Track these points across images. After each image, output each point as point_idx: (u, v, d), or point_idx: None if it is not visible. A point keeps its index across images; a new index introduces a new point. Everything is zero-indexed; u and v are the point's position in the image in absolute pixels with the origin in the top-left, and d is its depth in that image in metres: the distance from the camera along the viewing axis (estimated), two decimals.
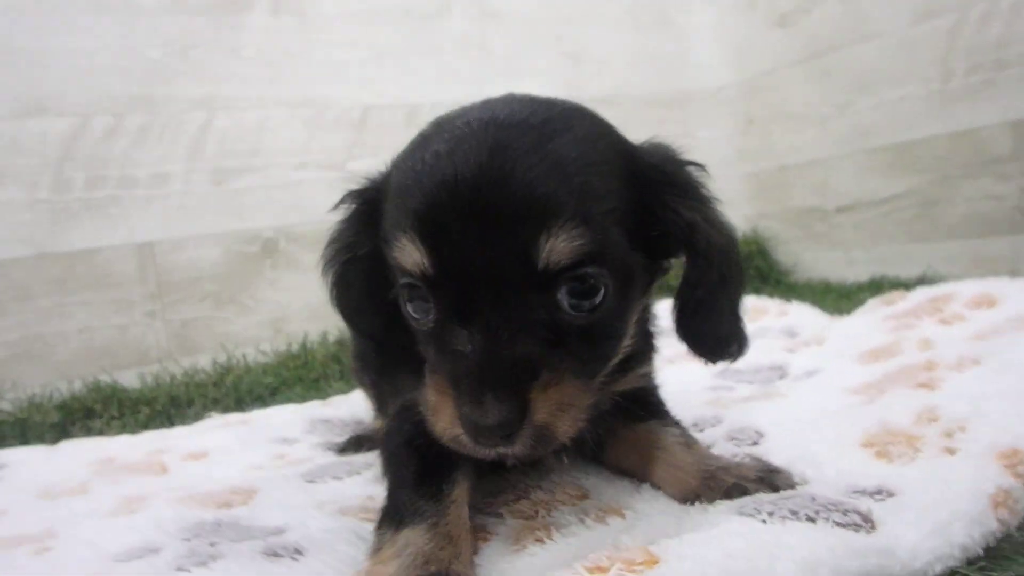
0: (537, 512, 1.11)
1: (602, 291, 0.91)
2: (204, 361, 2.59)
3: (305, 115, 2.82)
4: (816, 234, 3.38)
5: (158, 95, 2.54)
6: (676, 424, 1.23)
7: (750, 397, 1.59)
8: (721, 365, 1.71)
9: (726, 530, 0.87)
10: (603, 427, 1.18)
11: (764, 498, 0.97)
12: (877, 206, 3.05)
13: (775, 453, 1.17)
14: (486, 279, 0.87)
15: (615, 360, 1.02)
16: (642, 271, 1.01)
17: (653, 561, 0.80)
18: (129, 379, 2.48)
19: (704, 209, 1.04)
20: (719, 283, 1.05)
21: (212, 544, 1.08)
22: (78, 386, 2.39)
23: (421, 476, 1.04)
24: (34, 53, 2.41)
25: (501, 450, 0.87)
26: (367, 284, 1.08)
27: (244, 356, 2.64)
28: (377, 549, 0.97)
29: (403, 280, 0.94)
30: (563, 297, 0.89)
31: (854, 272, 3.14)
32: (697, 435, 1.34)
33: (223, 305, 2.68)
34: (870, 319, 1.95)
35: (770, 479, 1.06)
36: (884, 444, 1.13)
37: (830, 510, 0.90)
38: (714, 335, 1.09)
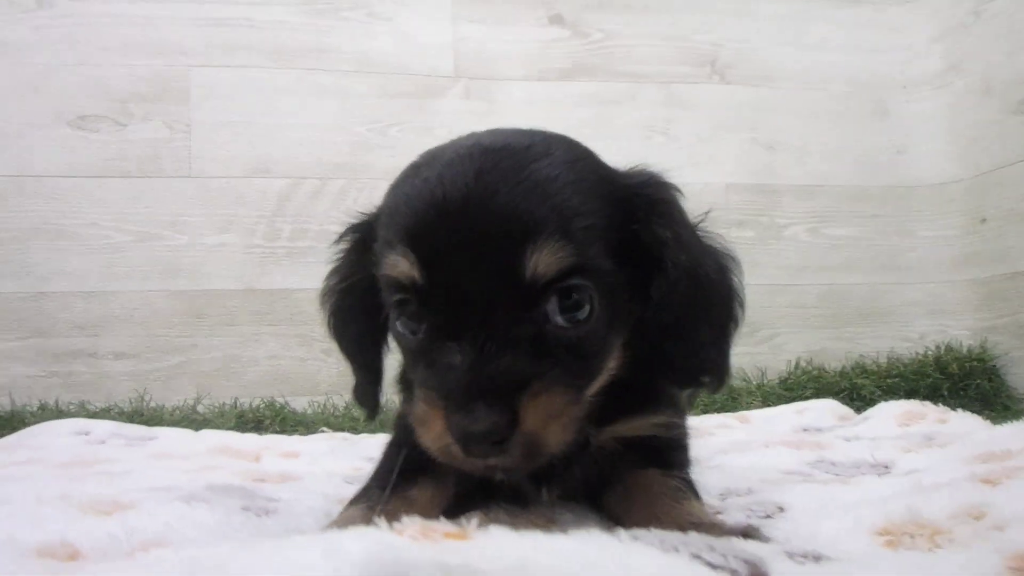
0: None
1: (587, 306, 0.94)
2: None
3: None
4: None
5: (358, 164, 2.97)
6: (682, 478, 1.13)
7: (816, 481, 1.41)
8: (814, 454, 1.59)
9: (584, 538, 0.80)
10: (603, 471, 1.15)
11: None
12: None
13: (782, 527, 1.07)
14: (475, 293, 0.91)
15: (600, 379, 1.02)
16: (627, 289, 1.01)
17: (462, 535, 0.77)
18: (300, 404, 2.84)
19: (676, 228, 1.04)
20: (688, 306, 1.03)
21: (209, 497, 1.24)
22: (257, 403, 2.79)
23: (389, 471, 1.11)
24: (267, 126, 2.97)
25: (491, 461, 0.89)
26: (363, 313, 1.14)
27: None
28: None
29: (394, 297, 0.99)
30: (552, 310, 0.93)
31: None
32: (718, 502, 1.27)
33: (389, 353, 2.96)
34: None
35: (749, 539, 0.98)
36: (901, 534, 0.96)
37: (712, 551, 0.79)
38: (683, 360, 1.07)
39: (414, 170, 1.03)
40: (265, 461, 1.80)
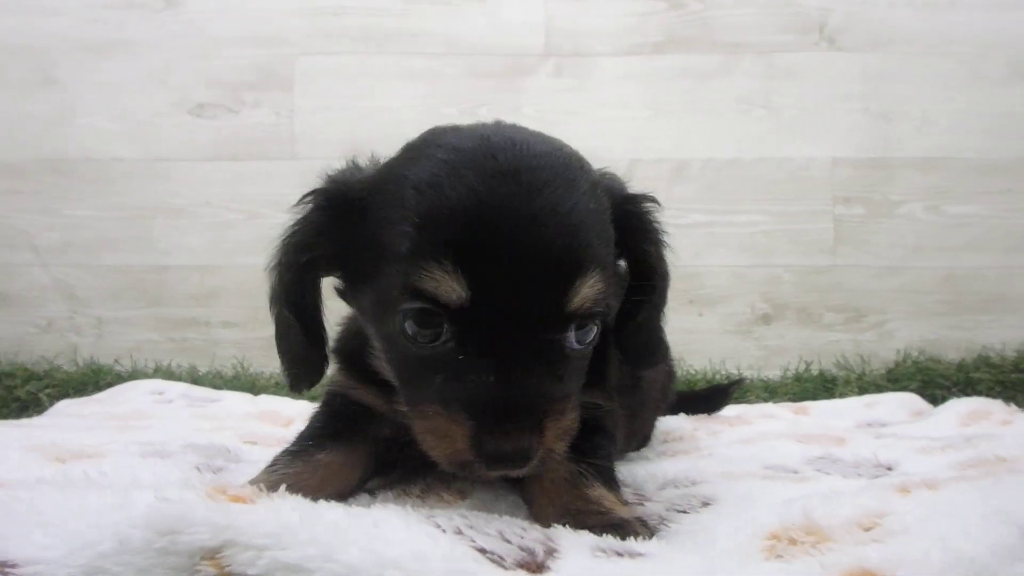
0: (387, 502, 1.15)
1: (595, 328, 1.02)
2: None
3: None
4: None
5: None
6: (594, 463, 1.12)
7: (782, 479, 1.33)
8: (822, 450, 1.53)
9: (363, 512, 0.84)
10: None
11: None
12: None
13: (685, 522, 1.07)
14: (518, 318, 0.93)
15: (573, 428, 1.04)
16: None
17: (246, 498, 0.82)
18: None
19: (661, 243, 1.16)
20: (659, 306, 1.19)
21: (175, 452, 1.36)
22: None
23: (306, 437, 1.19)
24: (361, 109, 3.10)
25: (507, 471, 0.95)
26: (314, 288, 1.11)
27: None
28: None
29: (416, 305, 0.94)
30: (571, 335, 0.99)
31: None
32: (652, 491, 1.27)
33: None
34: None
35: (614, 529, 0.96)
36: (789, 541, 0.91)
37: (495, 537, 0.82)
38: (647, 348, 1.23)
39: (444, 166, 0.97)
40: (294, 425, 1.88)
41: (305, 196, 1.10)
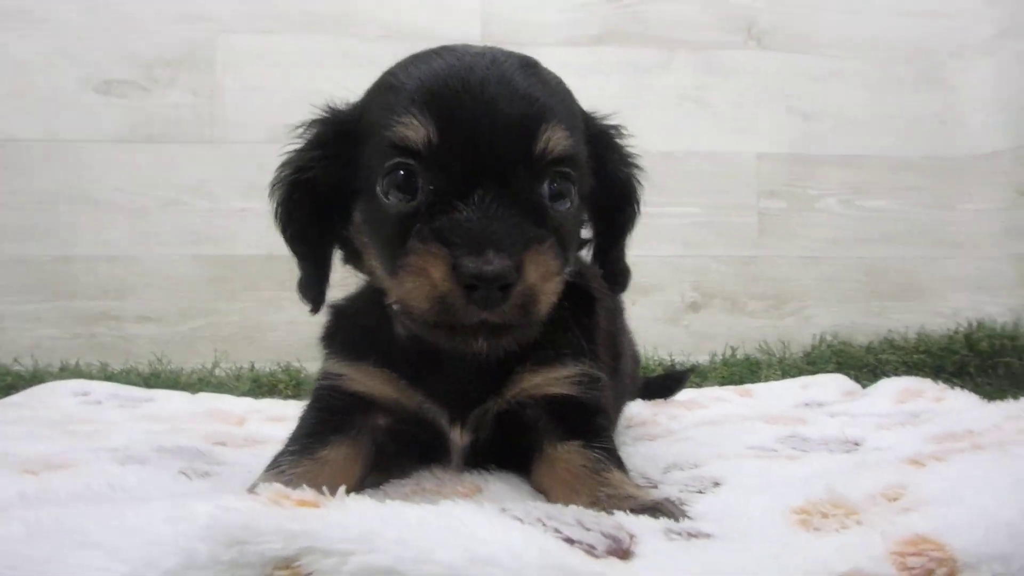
0: (409, 496, 1.10)
1: (568, 199, 1.07)
2: None
3: None
4: None
5: None
6: (602, 447, 1.14)
7: (769, 458, 1.38)
8: (789, 429, 1.58)
9: (442, 510, 0.79)
10: (525, 437, 1.17)
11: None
12: None
13: (710, 502, 1.08)
14: (487, 157, 0.99)
15: (567, 268, 1.08)
16: (586, 205, 1.17)
17: (314, 503, 0.77)
18: (315, 368, 2.83)
19: (637, 167, 1.25)
20: (632, 227, 1.27)
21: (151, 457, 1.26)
22: (274, 367, 2.81)
23: (304, 434, 1.15)
24: (292, 92, 2.93)
25: (486, 314, 0.94)
26: (312, 207, 1.17)
27: None
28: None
29: (391, 162, 1.02)
30: (544, 188, 1.04)
31: None
32: (659, 476, 1.29)
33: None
34: None
35: (651, 511, 0.96)
36: (816, 513, 0.94)
37: (578, 526, 0.79)
38: (623, 270, 1.30)
39: (423, 57, 1.10)
40: (249, 424, 1.80)
41: (299, 126, 1.20)
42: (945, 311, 3.15)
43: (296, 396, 2.65)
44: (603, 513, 0.87)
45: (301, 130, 1.18)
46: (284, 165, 1.18)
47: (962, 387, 2.37)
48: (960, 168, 3.21)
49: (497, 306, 0.93)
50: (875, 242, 3.18)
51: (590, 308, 1.26)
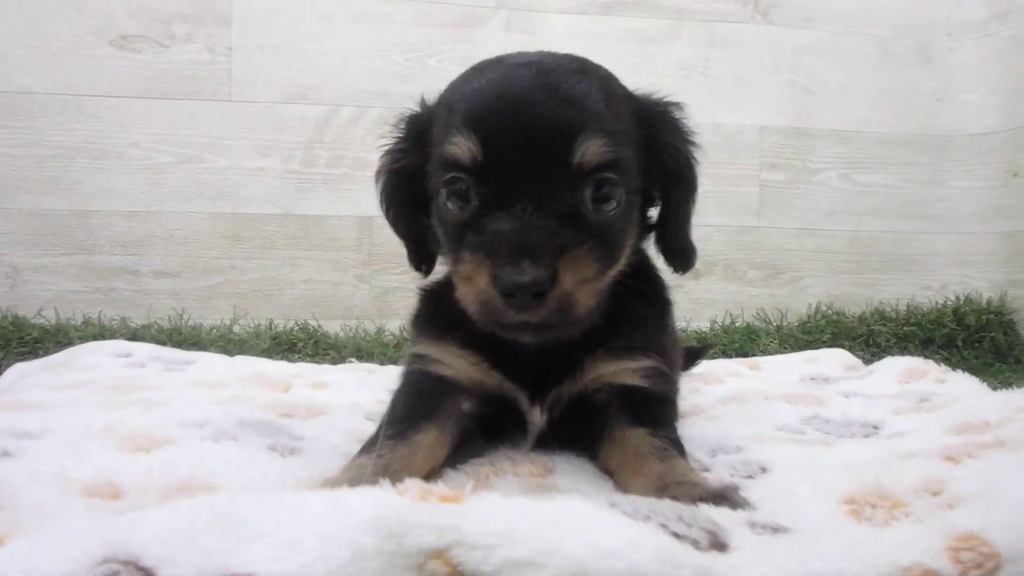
0: (489, 477, 1.20)
1: (614, 201, 1.13)
2: (393, 326, 2.97)
3: None
4: None
5: (396, 92, 2.97)
6: (667, 436, 1.24)
7: (803, 442, 1.50)
8: (810, 410, 1.68)
9: (566, 506, 0.88)
10: (595, 421, 1.26)
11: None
12: None
13: (761, 488, 1.16)
14: (527, 171, 1.06)
15: (618, 266, 1.18)
16: (640, 197, 1.22)
17: (456, 499, 0.87)
18: (332, 327, 2.93)
19: (693, 146, 1.29)
20: (692, 205, 1.31)
21: (238, 434, 1.34)
22: (291, 325, 2.89)
23: (398, 419, 1.21)
24: (306, 52, 2.97)
25: (526, 316, 1.03)
26: (407, 195, 1.29)
27: None
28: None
29: (447, 176, 1.12)
30: (587, 197, 1.10)
31: None
32: (708, 459, 1.36)
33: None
34: None
35: (718, 499, 1.05)
36: (864, 504, 1.04)
37: (680, 520, 0.88)
38: (683, 250, 1.34)
39: (476, 72, 1.20)
40: (295, 391, 1.88)
41: (396, 121, 1.30)
42: (934, 284, 3.32)
43: (314, 355, 2.75)
44: (691, 507, 0.95)
45: (398, 124, 1.30)
46: (384, 154, 1.30)
47: (949, 359, 2.54)
48: (953, 146, 3.34)
49: (534, 310, 1.02)
50: (867, 215, 3.32)
51: (664, 310, 1.37)
